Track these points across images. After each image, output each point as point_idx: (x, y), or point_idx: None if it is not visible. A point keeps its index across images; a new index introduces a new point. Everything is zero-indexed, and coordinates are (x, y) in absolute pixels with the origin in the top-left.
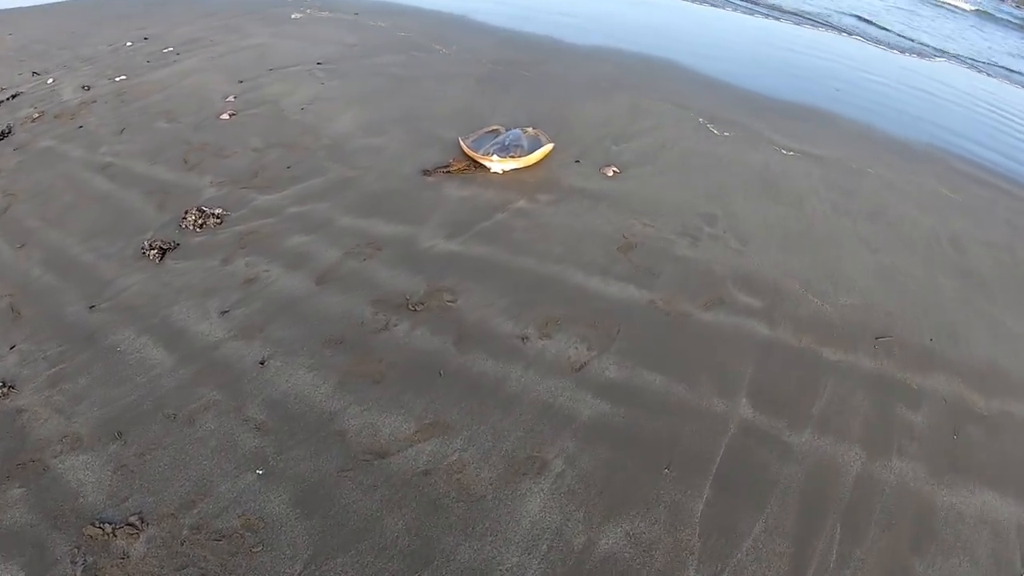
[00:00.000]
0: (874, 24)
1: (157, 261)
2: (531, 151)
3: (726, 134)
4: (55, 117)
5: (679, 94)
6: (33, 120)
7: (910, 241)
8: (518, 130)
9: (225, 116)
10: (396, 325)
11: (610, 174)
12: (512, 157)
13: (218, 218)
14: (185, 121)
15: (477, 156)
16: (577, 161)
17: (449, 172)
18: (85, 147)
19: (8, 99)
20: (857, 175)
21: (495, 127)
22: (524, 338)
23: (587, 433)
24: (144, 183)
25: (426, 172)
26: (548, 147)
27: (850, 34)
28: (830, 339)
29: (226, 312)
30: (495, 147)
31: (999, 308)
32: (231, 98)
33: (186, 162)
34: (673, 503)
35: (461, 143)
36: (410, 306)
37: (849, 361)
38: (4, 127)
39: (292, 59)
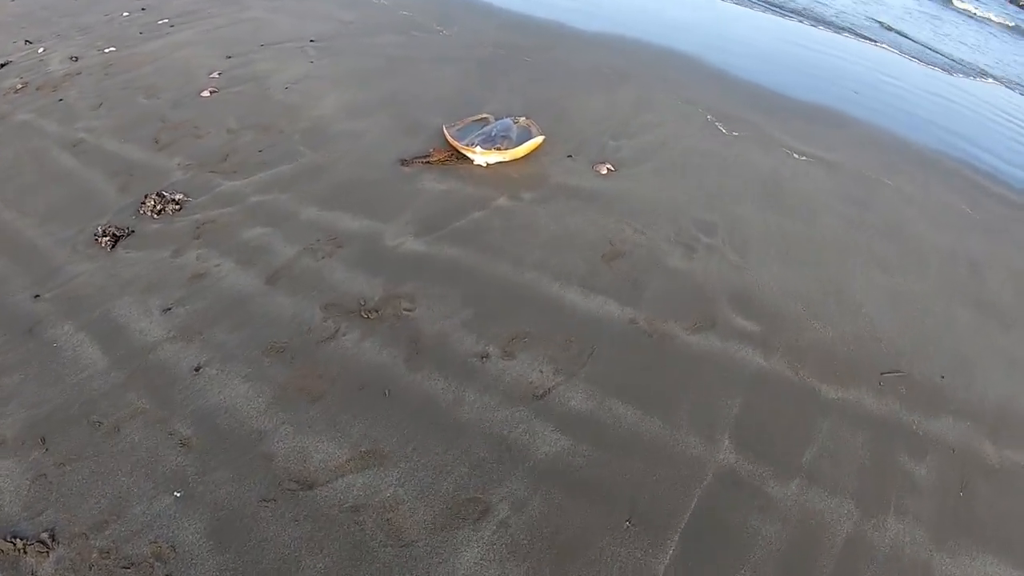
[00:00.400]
0: (904, 35)
1: (108, 249)
2: (520, 143)
3: (735, 133)
4: (37, 89)
5: (688, 88)
6: (16, 91)
7: (925, 263)
8: (509, 120)
9: (206, 93)
10: (345, 334)
11: (604, 172)
12: (497, 149)
13: (178, 204)
14: (165, 97)
15: (460, 146)
16: (569, 156)
17: (429, 163)
18: (60, 122)
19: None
20: (873, 185)
21: (484, 115)
22: (484, 356)
23: (541, 474)
24: (111, 163)
25: (404, 162)
26: (538, 140)
27: (874, 41)
28: (831, 372)
29: (168, 310)
30: (480, 138)
31: (1018, 344)
32: (216, 74)
33: (157, 141)
34: (633, 563)
35: (445, 132)
36: (363, 313)
37: (850, 399)
38: None
39: (286, 35)
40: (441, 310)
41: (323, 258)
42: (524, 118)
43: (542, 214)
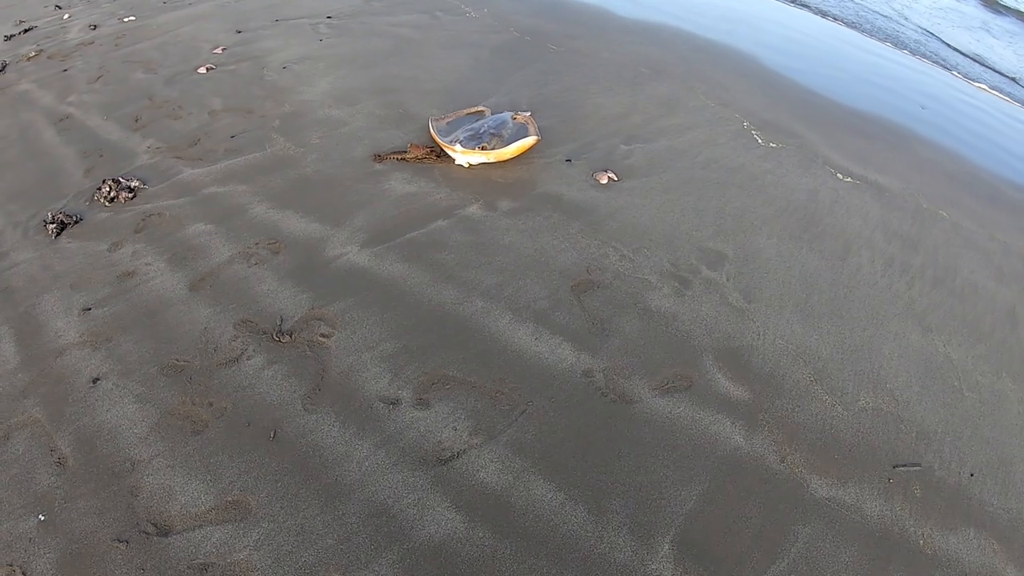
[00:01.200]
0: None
1: (54, 237)
2: (511, 142)
3: (772, 145)
4: (49, 57)
5: (728, 89)
6: (29, 59)
7: (977, 323)
8: (506, 115)
9: (203, 70)
10: (250, 358)
11: (603, 181)
12: (481, 148)
13: (132, 192)
14: (162, 72)
15: (441, 143)
16: (568, 160)
17: (404, 159)
18: (56, 94)
19: (21, 32)
20: (926, 219)
21: (481, 108)
22: (394, 402)
23: (417, 560)
24: (88, 142)
25: (377, 157)
26: (528, 141)
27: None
28: (829, 461)
29: (88, 310)
30: (467, 134)
31: None
32: (219, 50)
33: (137, 120)
34: None
35: (430, 124)
36: (276, 335)
37: (845, 500)
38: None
39: (303, 11)
40: (361, 339)
41: (255, 265)
42: (524, 113)
43: (515, 229)
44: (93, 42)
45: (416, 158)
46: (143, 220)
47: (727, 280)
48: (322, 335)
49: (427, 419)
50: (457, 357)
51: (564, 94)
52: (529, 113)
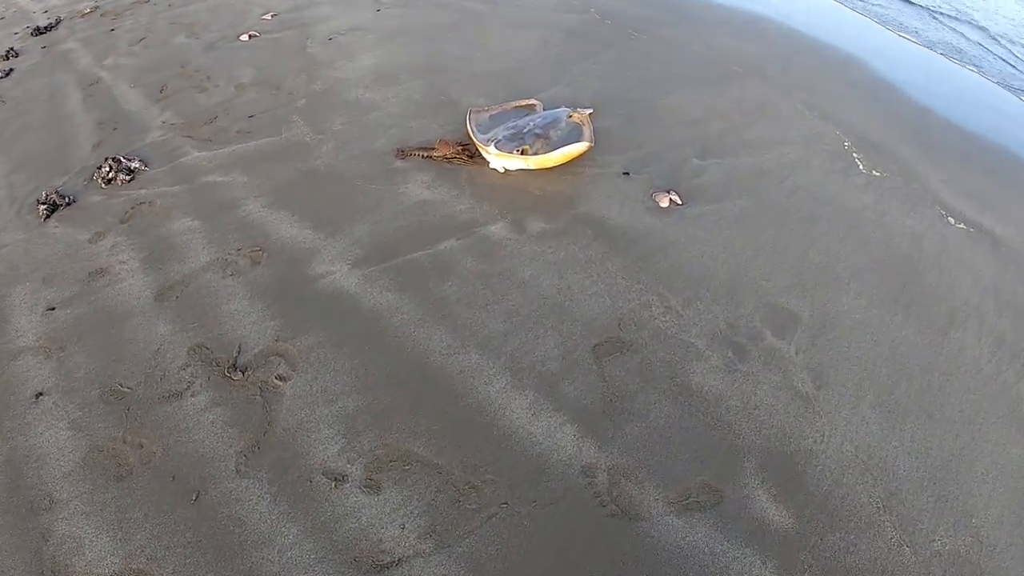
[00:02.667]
0: None
1: (43, 220)
2: (561, 145)
3: (875, 173)
4: (102, 15)
5: (829, 97)
6: (83, 15)
7: None
8: (561, 111)
9: (245, 37)
10: (195, 395)
11: (664, 204)
12: (521, 153)
13: (131, 174)
14: (204, 38)
15: (475, 140)
16: (626, 173)
17: (430, 157)
18: (95, 55)
19: None
20: None
21: (532, 101)
22: (340, 479)
23: None
24: (107, 110)
25: (400, 152)
26: (577, 148)
27: None
28: None
29: (52, 310)
30: (507, 133)
31: None
32: (269, 16)
33: (163, 90)
34: None
35: (468, 117)
36: (228, 370)
37: None
38: (53, 20)
39: None
40: (321, 388)
41: (230, 276)
42: (584, 111)
43: (541, 259)
44: (149, 1)
45: (444, 157)
46: (132, 208)
47: (796, 353)
48: (279, 377)
49: (373, 507)
50: (429, 427)
51: (637, 89)
52: (590, 111)
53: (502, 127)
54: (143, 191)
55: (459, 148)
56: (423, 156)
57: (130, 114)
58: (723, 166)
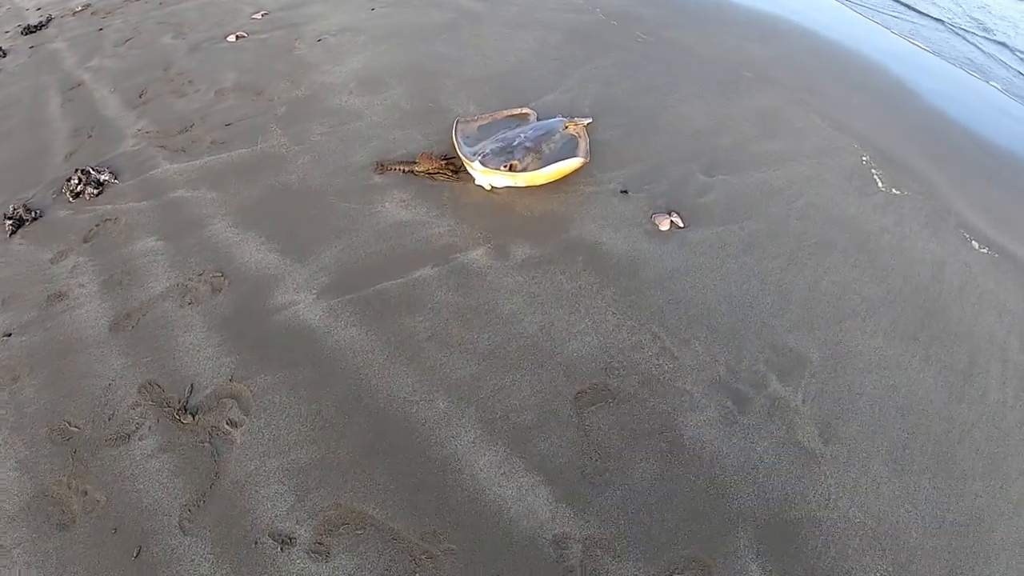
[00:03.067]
0: None
1: (8, 236)
2: (555, 160)
3: (895, 191)
4: (93, 13)
5: (846, 106)
6: (74, 13)
7: None
8: (557, 122)
9: (232, 38)
10: (142, 439)
11: (664, 227)
12: (508, 169)
13: (99, 188)
14: (190, 38)
15: (460, 154)
16: (624, 191)
17: (411, 171)
18: (80, 56)
19: None
20: None
21: (525, 111)
22: (286, 541)
23: None
24: (85, 116)
25: (379, 166)
26: (569, 165)
27: None
28: None
29: (8, 336)
30: (495, 146)
31: None
32: (259, 15)
33: (142, 95)
34: None
35: (454, 128)
36: (177, 413)
37: None
38: (44, 18)
39: None
40: (274, 437)
41: (188, 304)
42: (582, 121)
43: (523, 291)
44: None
45: (426, 172)
46: (97, 225)
47: (803, 402)
48: (230, 422)
49: (320, 574)
50: (386, 486)
51: (640, 96)
52: (588, 120)
53: (490, 139)
54: (110, 206)
55: (442, 162)
56: (404, 171)
57: (107, 121)
58: (731, 183)
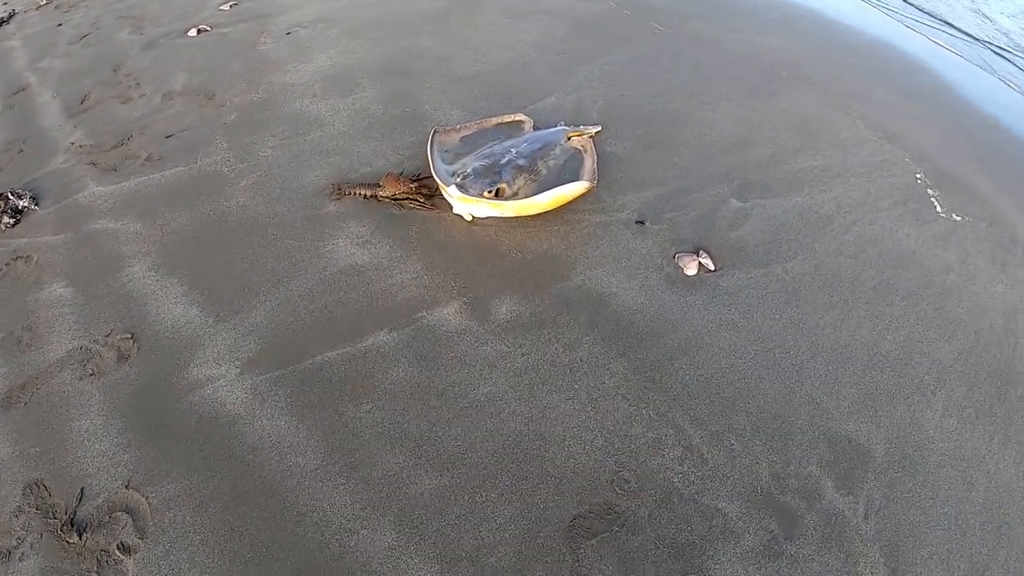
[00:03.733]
0: None
1: None
2: (548, 184)
3: (956, 217)
4: (56, 7)
5: (892, 112)
6: (38, 8)
7: None
8: (558, 132)
9: (193, 33)
10: (23, 558)
11: (692, 270)
12: (493, 195)
13: (16, 217)
14: (148, 33)
15: (435, 176)
16: (640, 222)
17: (375, 197)
18: (32, 56)
19: None
20: None
21: (519, 118)
22: None
23: None
24: (20, 127)
25: (336, 190)
26: (573, 189)
27: None
28: None
29: None
30: (478, 164)
31: None
32: (227, 6)
33: (84, 101)
34: None
35: (429, 142)
36: (64, 527)
37: None
38: (7, 13)
39: None
40: (172, 571)
41: (89, 376)
42: (590, 129)
43: (504, 365)
44: None
45: (392, 197)
46: (7, 264)
47: (865, 517)
48: (122, 547)
49: None
50: None
51: (659, 99)
52: (597, 129)
53: (474, 155)
54: (24, 240)
55: (412, 184)
56: (365, 196)
57: (42, 132)
58: (769, 210)
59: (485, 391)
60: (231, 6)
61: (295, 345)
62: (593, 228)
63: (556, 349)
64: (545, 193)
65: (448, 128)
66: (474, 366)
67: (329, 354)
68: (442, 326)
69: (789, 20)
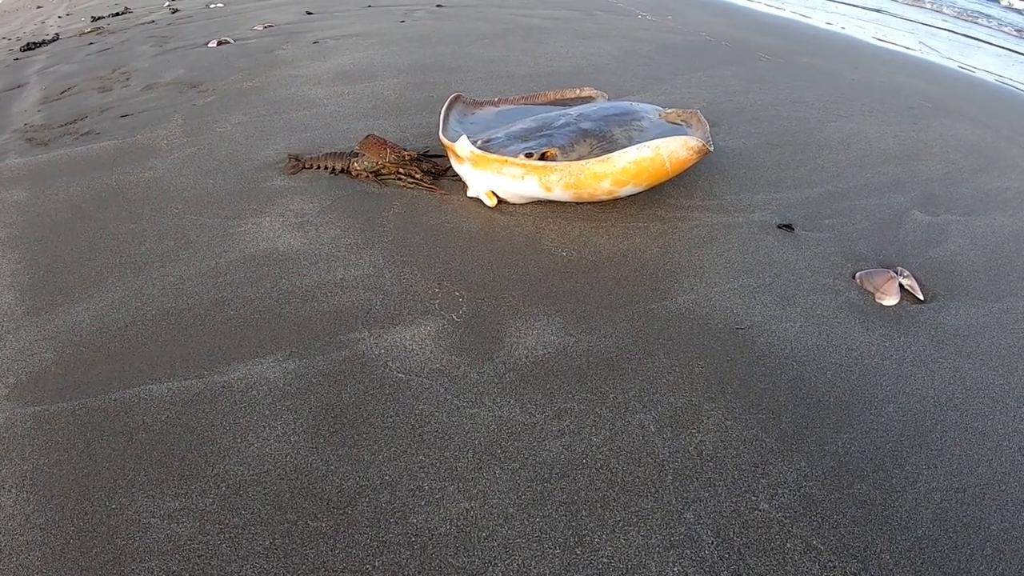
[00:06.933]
0: None
1: None
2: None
3: None
4: (98, 33)
5: None
6: (83, 34)
7: None
8: (646, 107)
9: (213, 44)
10: None
11: (891, 298)
12: (538, 157)
13: None
14: (169, 46)
15: (441, 137)
16: (786, 226)
17: (347, 172)
18: (47, 63)
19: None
20: None
21: (590, 91)
22: None
23: None
24: None
25: (294, 161)
26: (674, 146)
27: None
28: None
29: None
30: (515, 128)
31: None
32: (260, 27)
33: (64, 92)
34: None
35: (445, 107)
36: None
37: None
38: (51, 36)
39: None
40: None
41: None
42: (688, 111)
43: (521, 452)
44: (154, 22)
45: (373, 172)
46: None
47: None
48: None
49: None
50: None
51: (780, 108)
52: (697, 110)
53: (514, 124)
54: None
55: (406, 154)
56: (334, 170)
57: (7, 116)
58: (972, 228)
59: (456, 510)
60: (265, 27)
61: (108, 365)
62: (709, 229)
63: (637, 424)
64: (625, 150)
65: (480, 100)
66: (444, 446)
67: (156, 386)
68: (395, 358)
69: (906, 63)
